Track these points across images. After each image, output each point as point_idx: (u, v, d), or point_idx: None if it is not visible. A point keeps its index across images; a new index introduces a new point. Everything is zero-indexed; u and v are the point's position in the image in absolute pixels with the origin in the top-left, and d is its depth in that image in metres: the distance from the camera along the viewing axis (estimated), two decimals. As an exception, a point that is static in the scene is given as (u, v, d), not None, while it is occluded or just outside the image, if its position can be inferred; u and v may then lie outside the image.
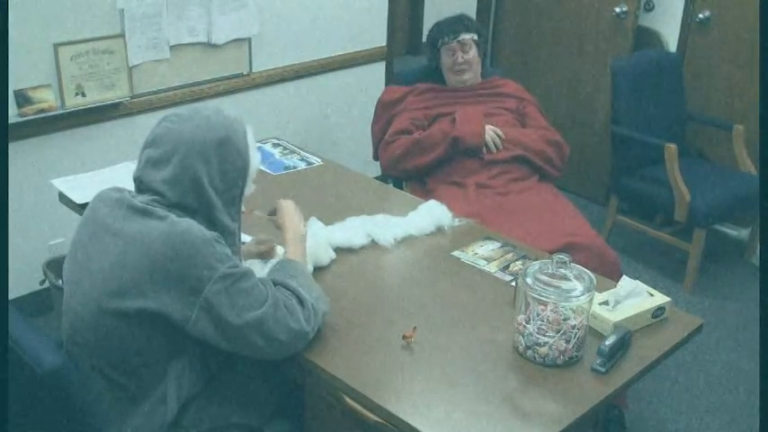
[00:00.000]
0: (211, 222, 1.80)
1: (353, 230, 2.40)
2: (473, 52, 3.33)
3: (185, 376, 1.81)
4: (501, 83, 3.44)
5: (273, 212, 2.17)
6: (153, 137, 1.81)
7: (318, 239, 2.26)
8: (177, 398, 1.80)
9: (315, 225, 2.33)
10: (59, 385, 1.61)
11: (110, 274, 1.72)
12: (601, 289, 2.05)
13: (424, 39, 7.25)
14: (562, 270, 1.87)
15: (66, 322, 1.85)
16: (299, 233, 2.09)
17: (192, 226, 1.72)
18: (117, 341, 1.75)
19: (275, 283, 1.86)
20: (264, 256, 2.21)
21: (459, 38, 3.30)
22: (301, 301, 1.84)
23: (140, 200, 1.78)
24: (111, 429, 1.80)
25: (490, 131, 3.15)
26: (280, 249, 2.21)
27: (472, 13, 5.10)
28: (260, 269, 2.13)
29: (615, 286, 2.12)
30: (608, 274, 2.44)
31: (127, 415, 1.80)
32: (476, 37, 3.34)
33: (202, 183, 1.78)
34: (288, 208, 2.14)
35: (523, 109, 3.36)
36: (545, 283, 1.85)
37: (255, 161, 1.91)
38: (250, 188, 1.92)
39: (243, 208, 1.93)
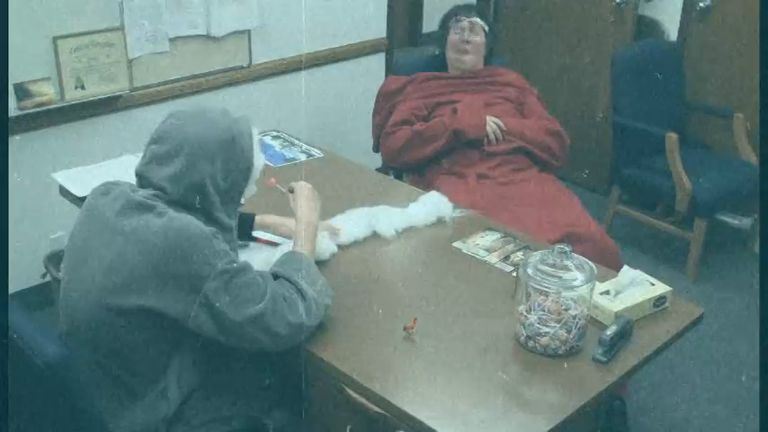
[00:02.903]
0: (209, 219, 1.80)
1: (354, 222, 2.40)
2: (480, 37, 3.35)
3: (186, 370, 1.81)
4: (501, 72, 3.44)
5: (291, 190, 2.14)
6: (159, 134, 1.81)
7: (320, 234, 2.25)
8: (178, 391, 1.81)
9: None
10: (61, 377, 1.60)
11: (109, 271, 1.72)
12: (602, 279, 2.04)
13: (425, 30, 7.24)
14: (563, 260, 1.87)
15: (64, 316, 1.85)
16: (311, 223, 2.06)
17: (190, 222, 1.72)
18: (117, 337, 1.75)
19: (277, 276, 1.86)
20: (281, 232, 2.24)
21: (472, 18, 3.35)
22: (302, 294, 1.83)
23: (141, 194, 1.78)
24: (112, 422, 1.80)
25: (491, 123, 3.15)
26: (285, 244, 2.20)
27: (471, 3, 5.08)
28: (266, 257, 2.12)
29: (616, 276, 2.12)
30: (607, 263, 2.44)
31: (127, 408, 1.81)
32: (486, 27, 3.37)
33: (205, 182, 1.78)
34: (304, 192, 2.10)
35: (524, 99, 3.36)
36: (546, 274, 1.85)
37: (259, 162, 1.91)
38: (251, 190, 1.92)
39: (253, 191, 1.93)
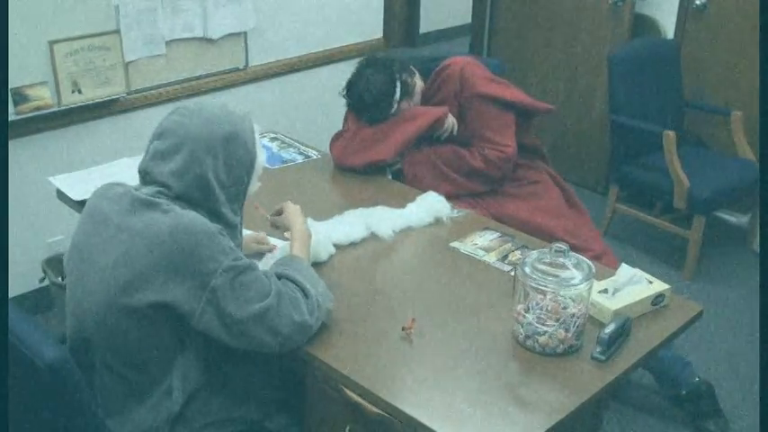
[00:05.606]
0: (214, 216, 1.81)
1: (352, 223, 2.40)
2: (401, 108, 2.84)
3: (191, 370, 1.82)
4: (441, 80, 2.93)
5: (277, 213, 2.18)
6: (161, 129, 1.82)
7: (318, 236, 2.26)
8: (183, 391, 1.81)
9: (312, 225, 2.32)
10: (61, 379, 1.61)
11: (116, 270, 1.73)
12: (600, 277, 2.05)
13: (422, 30, 7.21)
14: (560, 259, 1.87)
15: (71, 317, 1.85)
16: (306, 233, 2.10)
17: (196, 218, 1.73)
18: (124, 336, 1.75)
19: (280, 277, 1.86)
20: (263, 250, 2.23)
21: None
22: (305, 294, 1.84)
23: (145, 192, 1.78)
24: (116, 422, 1.81)
25: (449, 122, 2.87)
26: (283, 245, 2.21)
27: (468, 2, 5.10)
28: (264, 262, 2.14)
29: (614, 274, 2.12)
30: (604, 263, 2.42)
31: (132, 408, 1.82)
32: (395, 99, 2.81)
33: (208, 177, 1.78)
34: (296, 209, 2.15)
35: (466, 104, 2.90)
36: (544, 272, 1.85)
37: (261, 158, 1.93)
38: (255, 185, 1.94)
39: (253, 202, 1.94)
